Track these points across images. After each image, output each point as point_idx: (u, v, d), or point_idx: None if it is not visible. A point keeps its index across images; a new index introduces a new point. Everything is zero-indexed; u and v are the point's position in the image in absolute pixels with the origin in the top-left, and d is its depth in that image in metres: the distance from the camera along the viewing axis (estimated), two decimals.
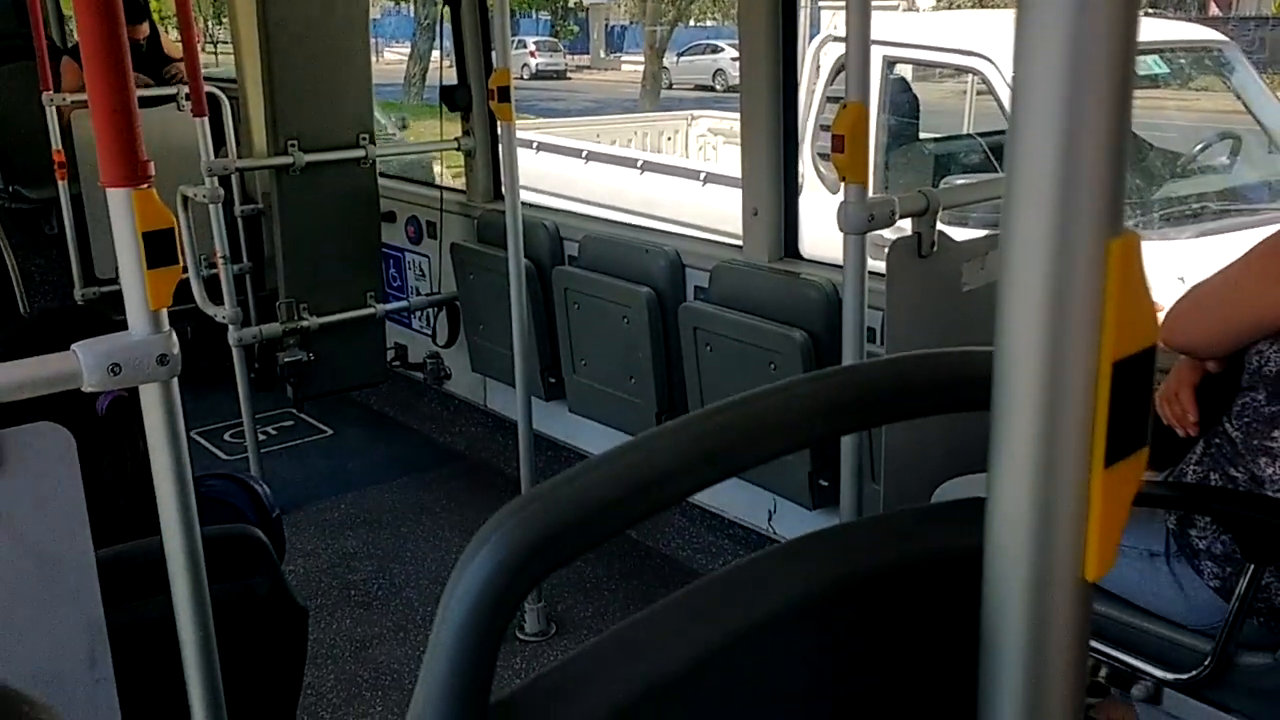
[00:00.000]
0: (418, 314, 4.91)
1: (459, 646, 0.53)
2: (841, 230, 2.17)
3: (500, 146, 3.68)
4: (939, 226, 2.38)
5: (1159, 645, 1.97)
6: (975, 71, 5.39)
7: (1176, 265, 4.03)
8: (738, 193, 3.42)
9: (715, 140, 9.54)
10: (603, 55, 34.54)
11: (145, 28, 5.45)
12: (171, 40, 5.69)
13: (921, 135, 5.91)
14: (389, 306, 4.50)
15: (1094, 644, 2.00)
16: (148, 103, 4.51)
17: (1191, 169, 5.30)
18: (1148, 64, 5.48)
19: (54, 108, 4.62)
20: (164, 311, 1.25)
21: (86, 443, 1.25)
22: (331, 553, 3.89)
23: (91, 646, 1.27)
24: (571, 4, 31.46)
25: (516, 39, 28.47)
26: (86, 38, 1.16)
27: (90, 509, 1.24)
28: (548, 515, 0.54)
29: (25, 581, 1.23)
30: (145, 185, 1.21)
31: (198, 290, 3.80)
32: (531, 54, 29.74)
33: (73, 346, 1.20)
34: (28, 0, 4.88)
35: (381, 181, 4.45)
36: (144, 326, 1.24)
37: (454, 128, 4.64)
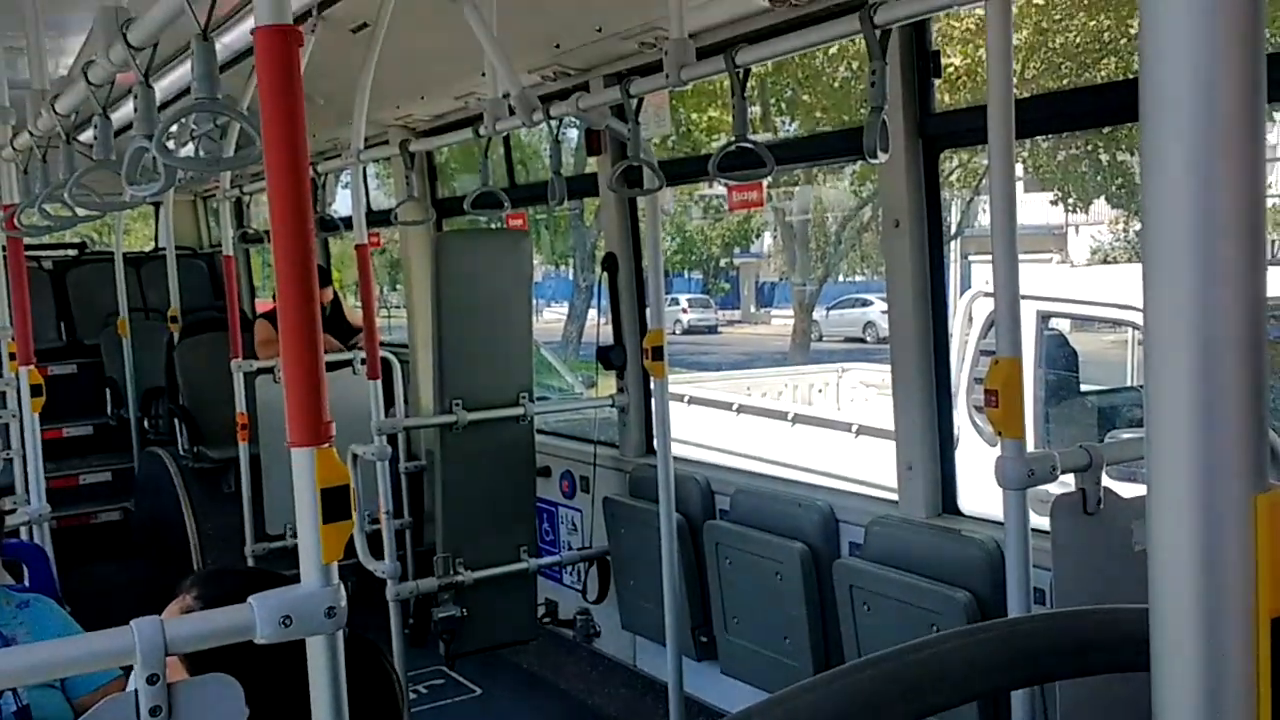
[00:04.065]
0: (568, 569, 4.92)
1: None
2: (999, 485, 2.12)
3: (653, 401, 3.77)
4: (1105, 481, 2.30)
5: None
6: (1131, 324, 5.33)
7: None
8: (892, 444, 3.39)
9: (868, 393, 9.57)
10: (753, 310, 35.46)
11: (328, 293, 5.92)
12: (351, 306, 6.13)
13: (1082, 388, 5.80)
14: (542, 561, 4.53)
15: None
16: (328, 367, 4.81)
17: None
18: None
19: (241, 373, 4.98)
20: (334, 565, 1.29)
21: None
22: None
23: None
24: (723, 264, 32.70)
25: (669, 297, 29.53)
26: (286, 313, 1.27)
27: None
28: None
29: None
30: (327, 445, 1.29)
31: (360, 545, 3.91)
32: (684, 310, 30.75)
33: (249, 599, 1.25)
34: (225, 277, 5.39)
35: (538, 437, 4.59)
36: (316, 579, 1.28)
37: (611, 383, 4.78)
